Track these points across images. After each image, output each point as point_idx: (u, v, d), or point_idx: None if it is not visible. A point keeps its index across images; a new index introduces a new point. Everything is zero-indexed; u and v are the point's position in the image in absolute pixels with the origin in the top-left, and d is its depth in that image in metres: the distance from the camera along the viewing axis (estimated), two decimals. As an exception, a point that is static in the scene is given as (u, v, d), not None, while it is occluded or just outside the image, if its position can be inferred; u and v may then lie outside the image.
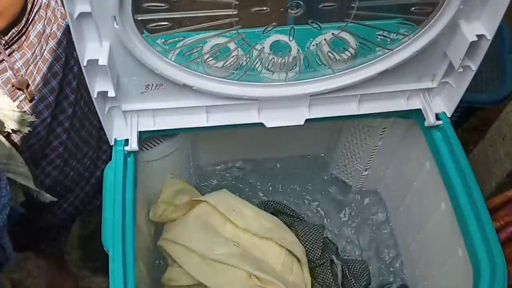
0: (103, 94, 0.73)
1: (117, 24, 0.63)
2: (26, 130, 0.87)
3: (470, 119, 1.55)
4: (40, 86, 0.90)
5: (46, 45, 0.89)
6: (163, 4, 0.64)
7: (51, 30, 0.90)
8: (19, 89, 0.85)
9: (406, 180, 1.03)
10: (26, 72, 0.86)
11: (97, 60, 0.66)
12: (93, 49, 0.67)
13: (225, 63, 0.76)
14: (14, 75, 0.84)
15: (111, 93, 0.72)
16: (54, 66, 0.91)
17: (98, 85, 0.72)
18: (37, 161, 0.96)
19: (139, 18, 0.65)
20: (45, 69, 0.90)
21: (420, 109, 0.88)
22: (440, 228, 0.91)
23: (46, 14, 0.88)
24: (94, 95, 0.72)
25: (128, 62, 0.71)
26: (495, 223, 0.81)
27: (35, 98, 0.89)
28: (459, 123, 1.48)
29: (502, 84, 1.34)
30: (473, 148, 1.31)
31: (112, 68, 0.70)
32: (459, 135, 0.85)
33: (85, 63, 0.67)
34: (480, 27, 0.73)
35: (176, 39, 0.71)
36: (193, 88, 0.77)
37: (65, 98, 0.96)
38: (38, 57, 0.88)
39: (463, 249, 0.80)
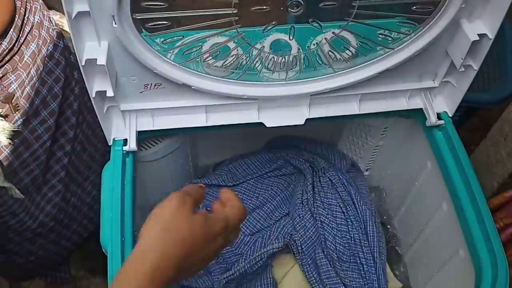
0: (101, 94, 0.73)
1: (115, 23, 0.62)
2: (5, 142, 0.82)
3: (471, 119, 1.54)
4: (39, 108, 0.87)
5: (43, 66, 0.86)
6: (162, 3, 0.64)
7: (47, 50, 0.86)
8: (6, 103, 0.82)
9: (407, 180, 1.02)
10: (22, 94, 0.83)
11: (96, 59, 0.66)
12: (91, 49, 0.67)
13: (224, 62, 0.76)
14: (1, 89, 0.81)
15: (110, 93, 0.72)
16: (54, 88, 0.88)
17: (96, 85, 0.71)
18: (38, 187, 0.93)
19: (138, 17, 0.64)
20: (45, 91, 0.87)
21: (421, 109, 0.87)
22: (442, 229, 0.90)
23: (40, 33, 0.85)
24: (92, 94, 0.71)
25: (127, 62, 0.71)
26: (494, 224, 0.81)
27: (34, 121, 0.86)
28: (461, 123, 1.47)
29: (504, 83, 1.33)
30: (474, 148, 1.30)
31: (111, 67, 0.69)
32: (460, 134, 0.85)
33: (83, 63, 0.66)
34: (482, 26, 0.73)
35: (175, 38, 0.70)
36: (192, 87, 0.77)
37: (65, 121, 0.93)
38: (34, 78, 0.84)
39: (464, 250, 0.80)
